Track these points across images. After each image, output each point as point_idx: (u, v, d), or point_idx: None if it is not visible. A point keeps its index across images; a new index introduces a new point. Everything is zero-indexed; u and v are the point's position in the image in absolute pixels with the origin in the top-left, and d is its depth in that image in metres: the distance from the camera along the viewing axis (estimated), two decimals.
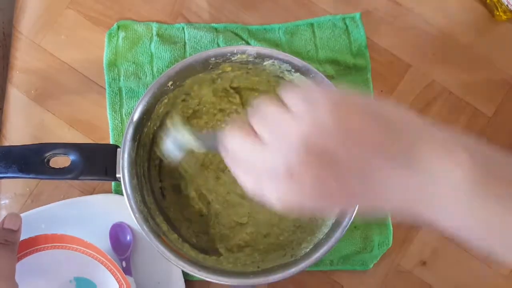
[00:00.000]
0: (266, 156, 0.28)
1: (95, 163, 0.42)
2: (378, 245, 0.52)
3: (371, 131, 0.26)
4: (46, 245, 0.44)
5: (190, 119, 0.51)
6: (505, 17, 0.57)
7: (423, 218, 0.27)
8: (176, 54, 0.55)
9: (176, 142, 0.36)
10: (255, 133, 0.28)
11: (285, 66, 0.45)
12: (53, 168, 0.42)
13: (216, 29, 0.57)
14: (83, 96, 0.56)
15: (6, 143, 0.55)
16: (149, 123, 0.46)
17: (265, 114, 0.28)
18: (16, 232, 0.42)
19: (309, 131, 0.26)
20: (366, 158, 0.26)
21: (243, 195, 0.51)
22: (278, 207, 0.29)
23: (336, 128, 0.26)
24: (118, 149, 0.43)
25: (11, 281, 0.39)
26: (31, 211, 0.50)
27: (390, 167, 0.26)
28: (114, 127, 0.54)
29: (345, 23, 0.57)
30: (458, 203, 0.26)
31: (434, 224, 0.27)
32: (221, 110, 0.52)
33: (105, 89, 0.55)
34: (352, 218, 0.42)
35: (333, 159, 0.26)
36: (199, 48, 0.56)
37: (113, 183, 0.53)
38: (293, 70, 0.45)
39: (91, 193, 0.54)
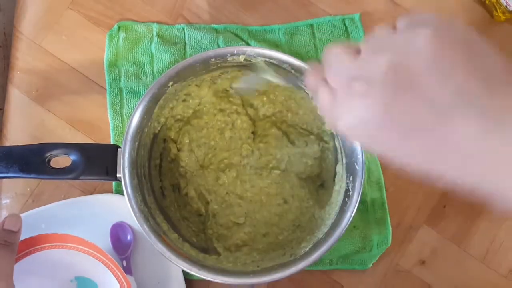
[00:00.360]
0: (353, 66, 0.27)
1: (96, 163, 0.43)
2: (377, 245, 0.53)
3: (467, 72, 0.24)
4: (47, 245, 0.44)
5: (190, 119, 0.51)
6: (504, 17, 0.57)
7: (496, 193, 0.24)
8: (176, 55, 0.56)
9: (259, 77, 0.39)
10: (357, 50, 0.28)
11: (284, 66, 0.45)
12: (54, 168, 0.42)
13: (216, 30, 0.57)
14: (84, 96, 0.56)
15: (7, 143, 0.55)
16: (149, 124, 0.46)
17: (373, 35, 0.28)
18: (16, 233, 0.42)
19: (401, 52, 0.25)
20: (449, 99, 0.24)
21: (241, 196, 0.51)
22: (344, 128, 0.28)
23: (429, 56, 0.24)
24: (119, 149, 0.43)
25: (10, 281, 0.39)
26: (31, 210, 0.50)
27: (476, 118, 0.23)
28: (115, 127, 0.55)
29: (344, 24, 0.57)
30: None
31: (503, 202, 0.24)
32: (221, 110, 0.52)
33: (105, 89, 0.55)
34: (351, 217, 0.42)
35: (414, 87, 0.24)
36: (199, 49, 0.56)
37: (113, 183, 0.54)
38: (292, 71, 0.45)
39: (92, 193, 0.54)
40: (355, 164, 0.44)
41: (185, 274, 0.51)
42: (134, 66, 0.56)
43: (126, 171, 0.43)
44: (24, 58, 0.57)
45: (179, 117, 0.50)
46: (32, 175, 0.42)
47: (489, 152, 0.23)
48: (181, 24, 0.57)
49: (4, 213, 0.54)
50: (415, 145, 0.25)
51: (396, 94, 0.25)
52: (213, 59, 0.45)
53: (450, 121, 0.24)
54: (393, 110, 0.25)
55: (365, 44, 0.28)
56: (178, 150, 0.51)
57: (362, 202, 0.53)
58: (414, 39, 0.25)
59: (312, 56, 0.57)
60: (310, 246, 0.44)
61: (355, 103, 0.26)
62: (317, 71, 0.30)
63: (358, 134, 0.28)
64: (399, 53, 0.25)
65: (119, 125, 0.55)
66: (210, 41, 0.56)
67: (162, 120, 0.48)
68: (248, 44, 0.56)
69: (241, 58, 0.45)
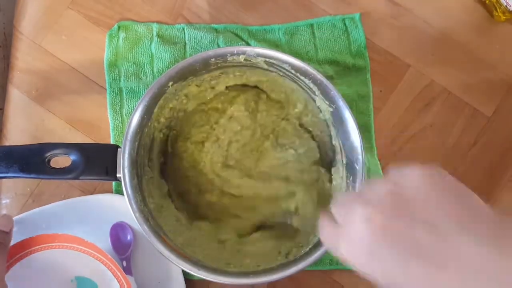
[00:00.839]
0: (354, 196, 0.30)
1: (96, 163, 0.43)
2: None
3: (455, 206, 0.26)
4: (47, 245, 0.44)
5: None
6: (504, 17, 0.57)
7: None
8: (176, 55, 0.56)
9: None
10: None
11: (284, 66, 0.45)
12: (54, 168, 0.42)
13: (216, 29, 0.57)
14: (84, 96, 0.56)
15: (7, 143, 0.55)
16: (149, 123, 0.46)
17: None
18: (8, 233, 0.42)
19: (398, 184, 0.28)
20: (446, 223, 0.25)
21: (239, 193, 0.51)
22: (345, 251, 0.29)
23: (423, 189, 0.27)
24: (119, 149, 0.43)
25: (2, 281, 0.40)
26: (32, 210, 0.50)
27: (475, 243, 0.24)
28: (115, 127, 0.55)
29: (344, 24, 0.57)
30: None
31: None
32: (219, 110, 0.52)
33: (105, 89, 0.55)
34: None
35: (411, 211, 0.26)
36: (199, 49, 0.56)
37: (113, 183, 0.54)
38: (292, 71, 0.45)
39: (92, 193, 0.54)
40: (355, 164, 0.43)
41: (185, 274, 0.51)
42: (134, 66, 0.56)
43: (126, 171, 0.43)
44: (24, 58, 0.57)
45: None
46: (32, 175, 0.42)
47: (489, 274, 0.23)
48: (181, 24, 0.57)
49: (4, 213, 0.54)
50: (415, 267, 0.25)
51: (393, 215, 0.26)
52: (213, 59, 0.45)
53: (450, 242, 0.24)
54: (392, 231, 0.26)
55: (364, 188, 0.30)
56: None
57: None
58: (408, 176, 0.28)
59: (312, 55, 0.57)
60: (310, 246, 0.44)
61: (355, 225, 0.28)
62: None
63: (358, 256, 0.28)
64: (396, 185, 0.28)
65: (119, 125, 0.55)
66: (210, 41, 0.56)
67: (162, 120, 0.48)
68: (248, 44, 0.56)
69: (241, 58, 0.45)
